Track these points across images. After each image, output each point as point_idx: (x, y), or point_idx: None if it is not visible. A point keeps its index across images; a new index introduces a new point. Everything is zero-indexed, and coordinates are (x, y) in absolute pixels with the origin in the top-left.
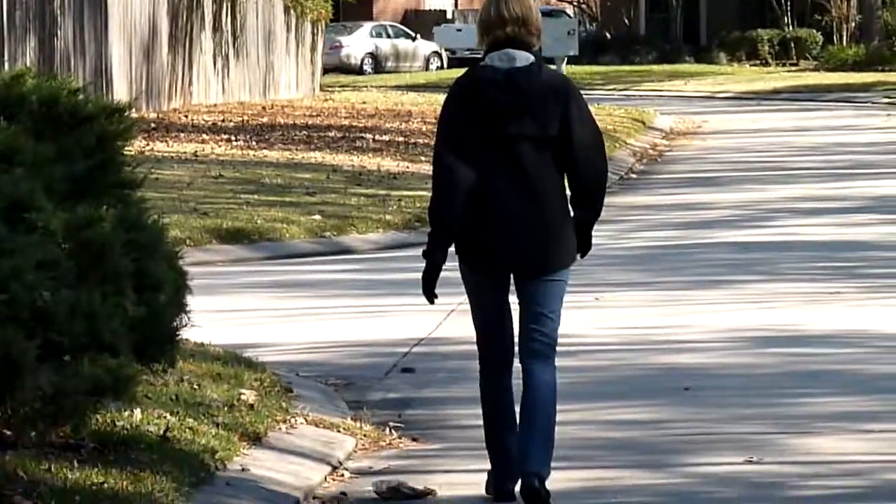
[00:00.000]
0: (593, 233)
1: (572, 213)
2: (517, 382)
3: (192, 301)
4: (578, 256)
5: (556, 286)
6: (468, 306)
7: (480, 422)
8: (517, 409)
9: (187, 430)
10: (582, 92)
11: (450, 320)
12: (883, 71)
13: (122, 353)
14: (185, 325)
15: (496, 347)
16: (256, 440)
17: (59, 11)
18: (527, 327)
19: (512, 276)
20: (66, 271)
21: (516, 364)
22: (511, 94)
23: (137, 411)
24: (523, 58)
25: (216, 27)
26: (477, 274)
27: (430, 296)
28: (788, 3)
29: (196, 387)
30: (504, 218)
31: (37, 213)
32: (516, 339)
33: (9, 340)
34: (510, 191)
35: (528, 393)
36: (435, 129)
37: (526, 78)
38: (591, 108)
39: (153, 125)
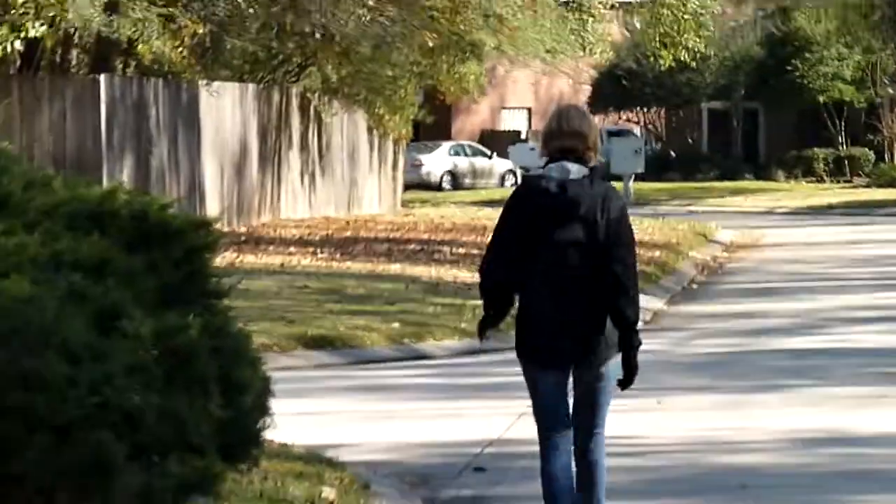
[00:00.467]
0: (645, 345)
1: (612, 323)
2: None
3: (277, 404)
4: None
5: (605, 377)
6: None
7: None
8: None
9: None
10: (648, 207)
11: (520, 422)
12: None
13: (208, 453)
14: (269, 427)
15: (552, 428)
16: None
17: (154, 131)
18: (581, 415)
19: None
20: (155, 376)
21: None
22: (562, 203)
23: None
24: (577, 170)
25: (303, 146)
26: (533, 368)
27: (482, 336)
28: (842, 124)
29: (279, 484)
30: (555, 319)
31: (127, 320)
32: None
33: (100, 441)
34: (559, 294)
35: (587, 486)
36: None
37: (577, 189)
38: (656, 222)
39: (243, 239)
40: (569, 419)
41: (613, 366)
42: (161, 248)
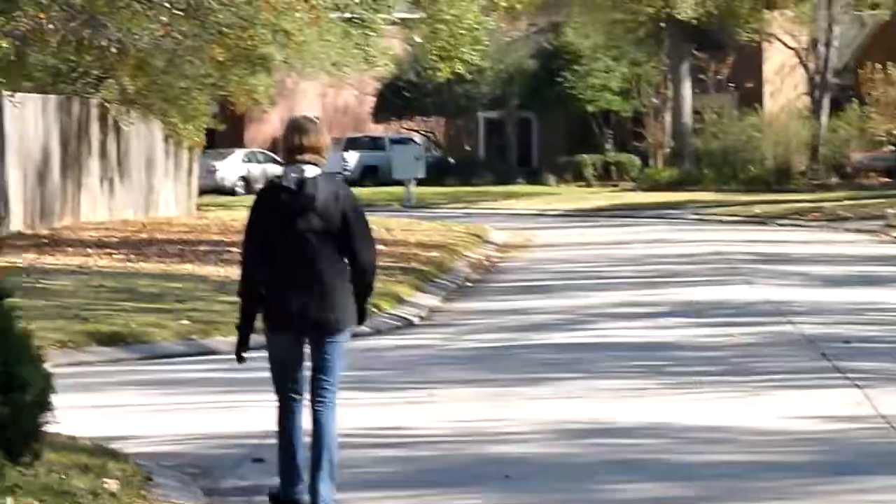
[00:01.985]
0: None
1: (352, 289)
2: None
3: (68, 398)
4: (356, 325)
5: (338, 345)
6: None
7: None
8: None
9: None
10: (427, 210)
11: None
12: (693, 190)
13: None
14: (49, 422)
15: (289, 391)
16: None
17: None
18: (316, 378)
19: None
20: None
21: None
22: (300, 198)
23: (9, 500)
24: (312, 170)
25: (103, 153)
26: (276, 337)
27: (240, 358)
28: (610, 132)
29: (64, 477)
30: (296, 294)
31: None
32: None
33: None
34: (300, 273)
35: (317, 439)
36: None
37: (312, 186)
38: (434, 224)
39: (45, 241)
40: (302, 385)
41: (344, 337)
42: None
